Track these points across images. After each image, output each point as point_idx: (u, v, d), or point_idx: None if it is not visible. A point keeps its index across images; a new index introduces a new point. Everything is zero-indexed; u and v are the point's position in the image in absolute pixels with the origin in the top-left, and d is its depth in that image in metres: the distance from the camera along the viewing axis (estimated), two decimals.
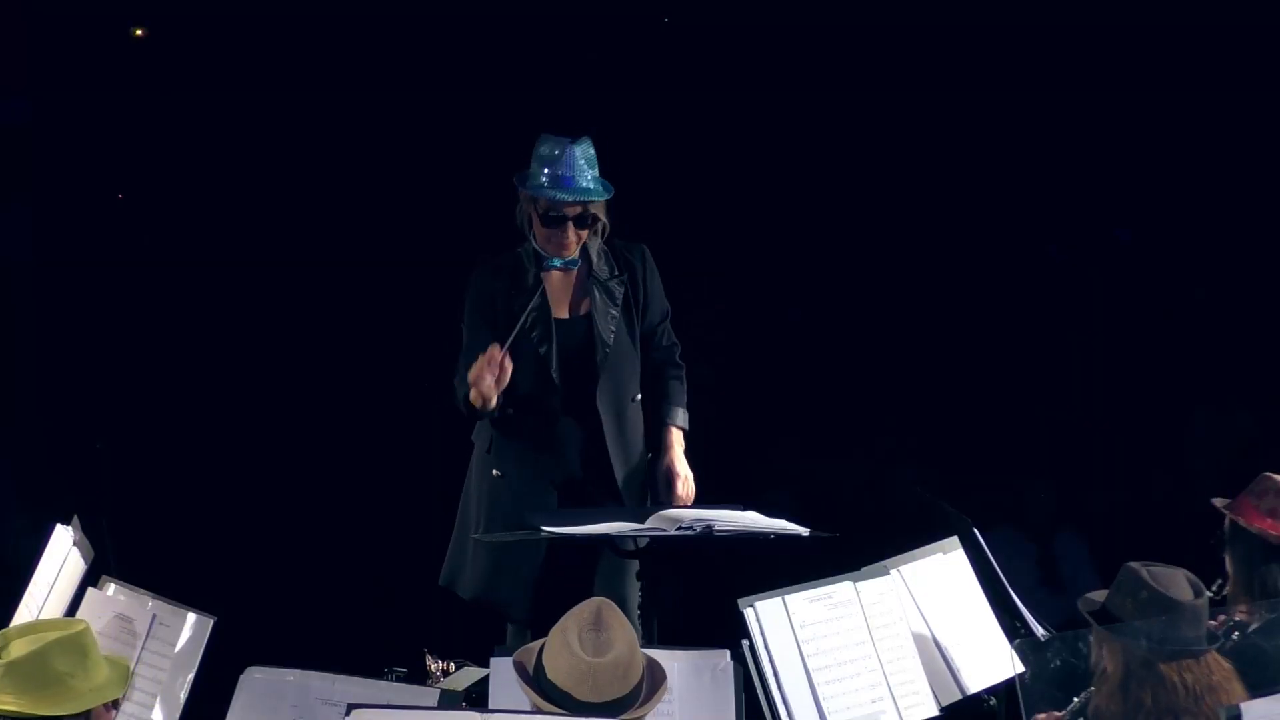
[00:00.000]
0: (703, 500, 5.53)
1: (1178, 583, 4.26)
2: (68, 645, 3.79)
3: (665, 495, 5.53)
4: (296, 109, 9.10)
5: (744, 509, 5.32)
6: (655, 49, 9.31)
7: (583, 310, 5.59)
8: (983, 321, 9.14)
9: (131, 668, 4.28)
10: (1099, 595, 4.41)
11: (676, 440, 5.64)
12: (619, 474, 5.54)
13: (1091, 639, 4.33)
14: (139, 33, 9.28)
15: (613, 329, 5.56)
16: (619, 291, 5.59)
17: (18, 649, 3.72)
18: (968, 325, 9.12)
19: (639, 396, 5.64)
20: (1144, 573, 4.29)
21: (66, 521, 4.82)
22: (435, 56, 9.15)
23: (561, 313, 5.58)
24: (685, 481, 5.57)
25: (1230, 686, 4.14)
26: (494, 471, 5.58)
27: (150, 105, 9.11)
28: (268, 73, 9.07)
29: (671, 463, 5.60)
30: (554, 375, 5.51)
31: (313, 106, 9.10)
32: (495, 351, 5.27)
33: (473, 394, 5.34)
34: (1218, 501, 4.96)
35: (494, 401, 5.35)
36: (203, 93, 9.09)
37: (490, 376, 5.27)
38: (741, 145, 9.24)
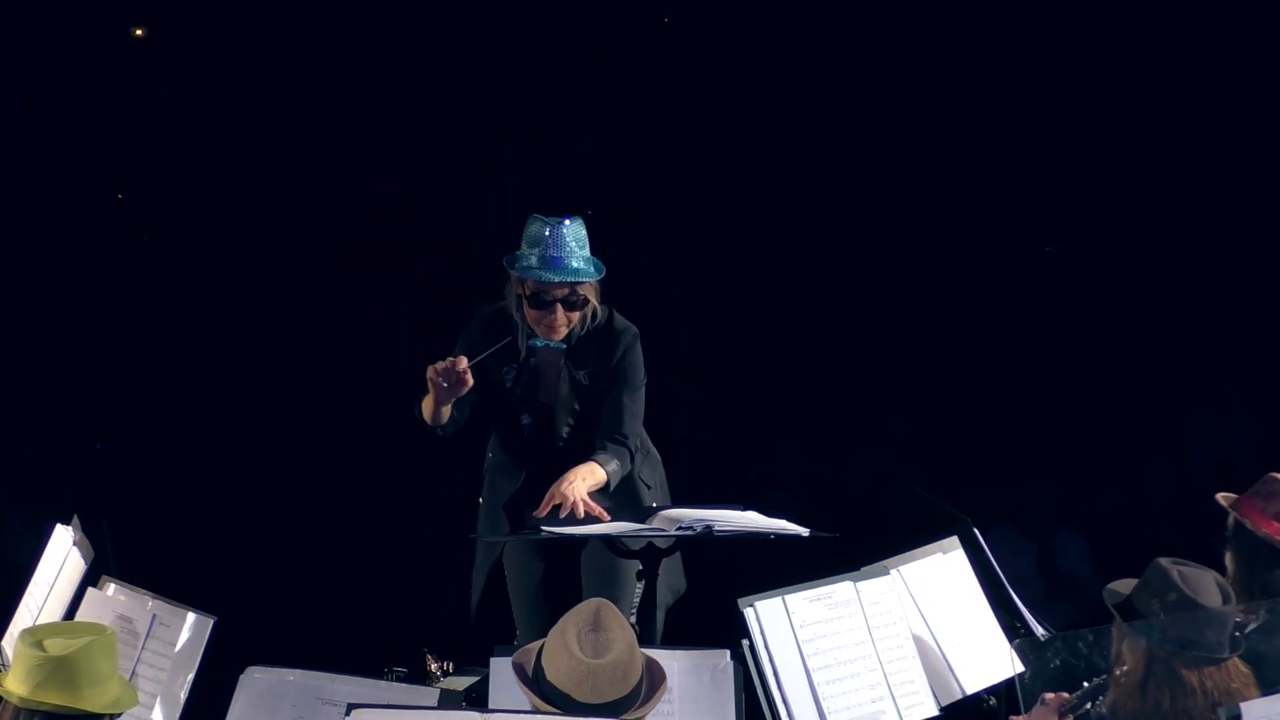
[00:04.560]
0: (704, 500, 5.52)
1: (1207, 587, 4.24)
2: (107, 647, 3.79)
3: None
4: (296, 108, 9.11)
5: (744, 509, 5.32)
6: (655, 49, 9.31)
7: (548, 398, 5.53)
8: (982, 322, 9.14)
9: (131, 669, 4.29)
10: (1124, 585, 4.37)
11: (587, 473, 5.33)
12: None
13: (1114, 631, 4.31)
14: (139, 33, 9.28)
15: (570, 422, 5.53)
16: (585, 386, 5.51)
17: (56, 647, 3.73)
18: (967, 326, 9.12)
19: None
20: (1174, 573, 4.25)
21: (66, 521, 4.82)
22: (434, 56, 9.15)
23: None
24: (568, 503, 5.19)
25: (1248, 693, 4.12)
26: (479, 499, 5.66)
27: (150, 105, 9.11)
28: (268, 72, 9.07)
29: (567, 480, 5.26)
30: (529, 440, 5.54)
31: (313, 105, 9.10)
32: (461, 361, 5.24)
33: (426, 401, 5.34)
34: (1222, 497, 4.90)
35: (446, 415, 5.34)
36: (202, 93, 9.10)
37: (442, 380, 5.22)
38: (743, 145, 9.24)
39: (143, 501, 7.90)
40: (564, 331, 5.42)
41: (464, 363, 5.23)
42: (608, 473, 5.38)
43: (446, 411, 5.36)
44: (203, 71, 9.07)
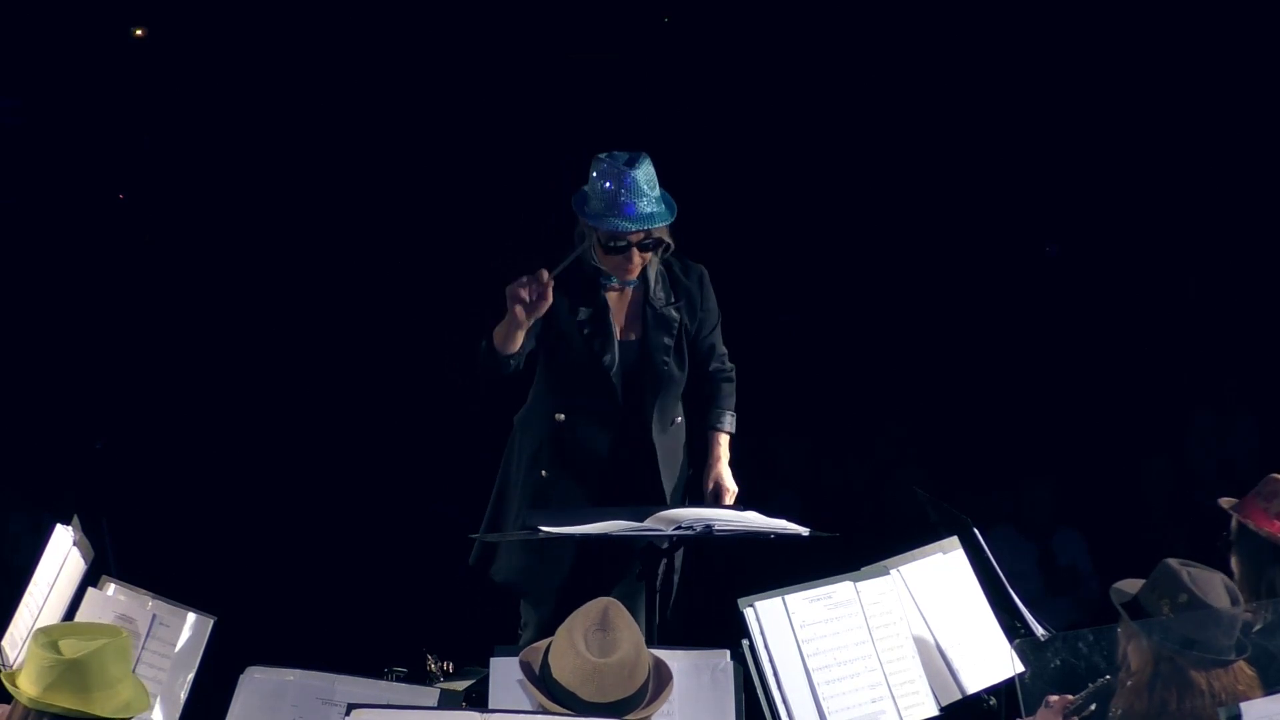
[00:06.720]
0: (705, 500, 5.51)
1: (1216, 589, 4.23)
2: (120, 651, 3.79)
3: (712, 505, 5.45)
4: (296, 108, 9.11)
5: (743, 509, 5.31)
6: (655, 48, 9.31)
7: (634, 335, 5.47)
8: (982, 322, 9.15)
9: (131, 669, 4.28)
10: (1130, 585, 4.36)
11: (723, 451, 5.56)
12: (667, 490, 5.47)
13: (1120, 630, 4.31)
14: (139, 33, 9.29)
15: (666, 359, 5.46)
16: (674, 320, 5.50)
17: (70, 649, 3.72)
18: (968, 326, 9.13)
19: (680, 419, 5.59)
20: (1184, 575, 4.24)
21: (66, 521, 4.82)
22: (434, 56, 9.15)
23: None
24: (732, 496, 5.48)
25: (1254, 696, 4.12)
26: (542, 472, 5.50)
27: (150, 105, 9.12)
28: (268, 72, 9.07)
29: (719, 477, 5.50)
30: (616, 389, 5.44)
31: (313, 105, 9.10)
32: (543, 272, 5.14)
33: (501, 329, 5.19)
34: (1224, 502, 4.91)
35: (519, 341, 5.21)
36: (202, 93, 9.10)
37: (528, 295, 5.10)
38: (743, 145, 9.24)
39: (143, 501, 7.90)
40: (638, 271, 5.41)
41: (546, 274, 5.13)
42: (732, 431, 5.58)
43: (521, 337, 5.19)
44: (202, 72, 9.07)
